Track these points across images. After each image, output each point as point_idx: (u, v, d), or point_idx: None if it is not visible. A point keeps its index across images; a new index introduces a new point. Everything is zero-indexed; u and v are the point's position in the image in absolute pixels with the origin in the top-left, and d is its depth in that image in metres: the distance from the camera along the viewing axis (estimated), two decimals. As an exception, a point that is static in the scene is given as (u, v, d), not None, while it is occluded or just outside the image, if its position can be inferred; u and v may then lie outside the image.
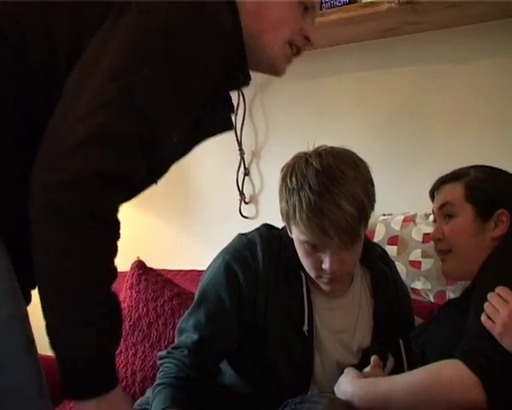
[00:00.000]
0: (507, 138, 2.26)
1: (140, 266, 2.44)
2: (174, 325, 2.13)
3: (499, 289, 1.50)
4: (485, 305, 1.50)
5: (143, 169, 1.17)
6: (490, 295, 1.51)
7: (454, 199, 1.80)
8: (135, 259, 2.48)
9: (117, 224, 1.14)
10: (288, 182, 1.60)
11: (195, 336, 1.66)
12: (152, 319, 2.34)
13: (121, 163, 1.12)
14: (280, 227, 1.78)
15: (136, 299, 2.38)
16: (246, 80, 1.40)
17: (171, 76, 1.17)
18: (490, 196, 1.77)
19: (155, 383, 1.65)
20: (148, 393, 1.77)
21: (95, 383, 1.12)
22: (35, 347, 1.16)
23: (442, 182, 1.86)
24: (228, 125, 1.45)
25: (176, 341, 1.72)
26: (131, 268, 2.44)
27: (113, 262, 1.14)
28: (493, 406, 1.44)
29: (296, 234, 1.63)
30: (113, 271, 1.15)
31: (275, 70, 1.45)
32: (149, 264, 2.47)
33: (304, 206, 1.56)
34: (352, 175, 1.58)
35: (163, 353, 1.72)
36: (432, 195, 1.89)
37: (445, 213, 1.81)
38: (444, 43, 2.36)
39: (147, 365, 2.27)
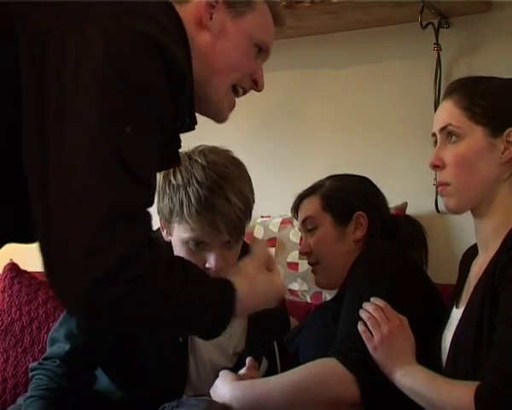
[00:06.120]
0: (387, 141, 2.33)
1: (13, 268, 2.35)
2: (48, 329, 2.08)
3: (384, 305, 1.54)
4: (363, 314, 1.53)
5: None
6: (368, 305, 1.54)
7: (313, 212, 1.84)
8: (7, 261, 2.38)
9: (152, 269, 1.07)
10: (172, 179, 1.58)
11: (68, 346, 1.63)
12: (25, 323, 2.26)
13: (141, 231, 1.06)
14: None
15: (8, 303, 2.30)
16: (191, 124, 1.30)
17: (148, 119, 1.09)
18: (344, 201, 1.83)
19: (26, 396, 1.62)
20: (20, 401, 1.73)
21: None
22: None
23: (301, 198, 1.90)
24: (175, 160, 1.36)
25: (47, 351, 1.68)
26: (4, 271, 2.35)
27: (179, 273, 1.12)
28: (367, 401, 1.50)
29: (180, 232, 1.59)
30: (184, 272, 1.12)
31: (219, 117, 1.35)
32: (23, 266, 2.39)
33: (193, 201, 1.54)
34: (236, 172, 1.60)
35: (34, 364, 1.68)
36: (295, 213, 1.93)
37: (307, 227, 1.85)
38: (322, 48, 2.41)
39: (19, 371, 2.19)
